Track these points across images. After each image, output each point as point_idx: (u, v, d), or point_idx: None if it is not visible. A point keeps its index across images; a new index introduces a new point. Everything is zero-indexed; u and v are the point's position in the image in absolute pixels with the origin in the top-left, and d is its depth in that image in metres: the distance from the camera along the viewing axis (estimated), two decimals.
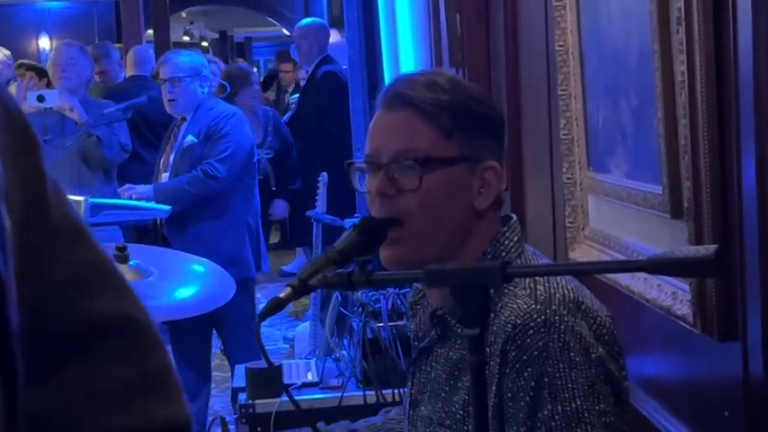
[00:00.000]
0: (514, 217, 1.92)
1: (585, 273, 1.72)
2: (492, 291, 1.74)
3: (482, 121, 1.86)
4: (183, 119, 5.34)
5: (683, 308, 1.94)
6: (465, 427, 1.76)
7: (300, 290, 1.65)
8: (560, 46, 2.66)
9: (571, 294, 1.76)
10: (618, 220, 2.37)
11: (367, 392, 3.33)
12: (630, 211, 2.25)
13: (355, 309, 3.52)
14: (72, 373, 1.07)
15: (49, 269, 1.06)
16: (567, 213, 2.67)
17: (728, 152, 1.77)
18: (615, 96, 2.34)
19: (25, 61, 8.16)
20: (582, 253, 2.58)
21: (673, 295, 2.00)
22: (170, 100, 5.28)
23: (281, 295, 1.64)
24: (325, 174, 4.55)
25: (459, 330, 1.77)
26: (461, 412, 1.77)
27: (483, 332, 1.47)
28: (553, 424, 1.67)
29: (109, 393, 1.09)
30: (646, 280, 2.12)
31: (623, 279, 2.21)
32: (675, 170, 1.95)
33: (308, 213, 4.49)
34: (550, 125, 2.82)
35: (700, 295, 1.86)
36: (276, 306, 1.63)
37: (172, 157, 5.35)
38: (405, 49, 5.21)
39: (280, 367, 3.47)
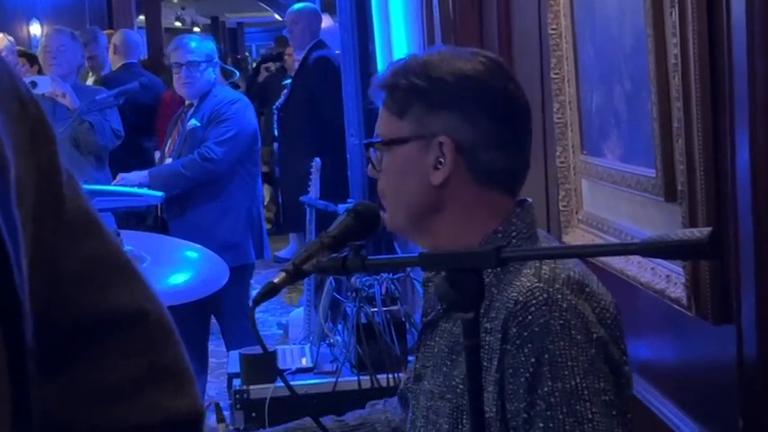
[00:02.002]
0: (530, 200, 1.93)
1: (579, 256, 1.72)
2: (498, 269, 1.77)
3: (437, 97, 1.85)
4: (191, 104, 5.35)
5: (677, 291, 1.94)
6: (464, 401, 1.77)
7: (294, 275, 1.66)
8: (553, 29, 2.65)
9: (576, 276, 1.77)
10: (612, 203, 2.37)
11: (361, 377, 3.33)
12: (624, 195, 2.25)
13: (349, 294, 3.53)
14: (83, 366, 1.07)
15: (62, 261, 1.06)
16: (560, 197, 2.67)
17: (722, 135, 1.77)
18: (609, 80, 2.34)
19: (16, 48, 8.13)
20: (576, 237, 2.58)
21: (667, 278, 2.00)
22: (185, 83, 5.29)
23: (275, 280, 1.64)
24: (317, 159, 4.55)
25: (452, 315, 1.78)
26: (462, 386, 1.79)
27: (477, 316, 1.47)
28: (552, 400, 1.68)
29: (120, 386, 1.09)
30: (640, 263, 2.13)
31: (617, 263, 2.21)
32: (669, 153, 1.95)
33: (301, 199, 4.48)
34: (543, 109, 2.82)
35: (694, 278, 1.87)
36: (270, 291, 1.63)
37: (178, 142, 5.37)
38: (397, 34, 5.21)
39: (274, 353, 3.47)
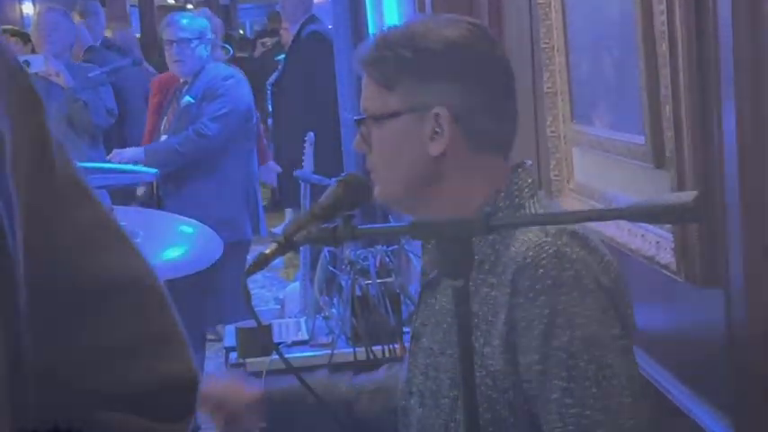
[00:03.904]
0: (529, 162, 1.93)
1: (567, 222, 1.73)
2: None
3: (427, 68, 1.84)
4: (185, 82, 5.35)
5: (667, 256, 1.96)
6: None
7: (285, 246, 1.66)
8: None
9: (580, 232, 1.78)
10: (602, 171, 2.38)
11: (357, 349, 3.35)
12: (614, 163, 2.26)
13: (344, 267, 3.54)
14: (78, 332, 1.08)
15: (55, 229, 1.06)
16: (551, 166, 2.68)
17: (709, 100, 1.78)
18: (598, 49, 2.35)
19: (8, 27, 8.12)
20: (567, 206, 2.59)
21: (657, 245, 2.01)
22: (176, 61, 5.28)
23: (266, 251, 1.65)
24: (311, 133, 4.54)
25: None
26: None
27: (467, 284, 1.48)
28: (573, 349, 1.70)
29: (115, 351, 1.10)
30: (630, 231, 2.14)
31: (608, 230, 2.22)
32: (657, 120, 1.96)
33: (295, 173, 4.49)
34: (533, 78, 2.82)
35: (682, 243, 1.88)
36: (262, 262, 1.64)
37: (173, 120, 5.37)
38: (389, 6, 5.20)
39: (269, 326, 3.49)
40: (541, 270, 1.72)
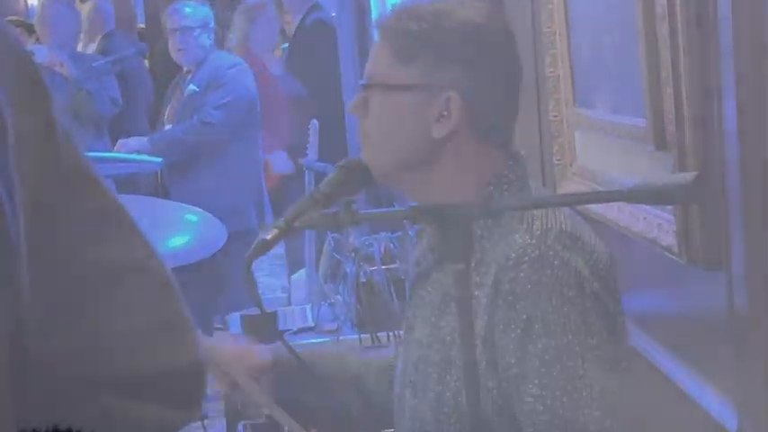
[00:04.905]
0: (522, 152, 1.91)
1: (566, 204, 1.73)
2: (489, 221, 1.77)
3: (447, 49, 1.81)
4: (189, 71, 5.34)
5: (669, 239, 1.96)
6: (452, 352, 1.78)
7: (286, 231, 1.66)
8: None
9: (568, 229, 1.75)
10: (604, 154, 2.38)
11: (362, 335, 3.35)
12: (616, 145, 2.26)
13: (349, 254, 3.54)
14: (84, 319, 1.07)
15: (59, 215, 1.06)
16: (554, 150, 2.68)
17: (708, 83, 1.78)
18: (599, 32, 2.35)
19: (13, 18, 8.12)
20: (570, 189, 2.59)
21: (658, 227, 2.01)
22: (179, 50, 5.28)
23: (267, 237, 1.65)
24: (315, 121, 4.54)
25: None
26: (449, 337, 1.79)
27: (468, 267, 1.48)
28: (546, 357, 1.68)
29: (122, 338, 1.09)
30: (631, 213, 2.14)
31: (610, 213, 2.22)
32: (658, 103, 1.96)
33: (300, 161, 4.49)
34: (536, 63, 2.82)
35: (684, 225, 1.88)
36: (263, 247, 1.65)
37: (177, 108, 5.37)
38: None
39: (274, 313, 3.48)
40: (522, 274, 1.70)
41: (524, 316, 1.70)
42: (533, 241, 1.72)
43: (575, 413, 1.68)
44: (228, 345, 2.22)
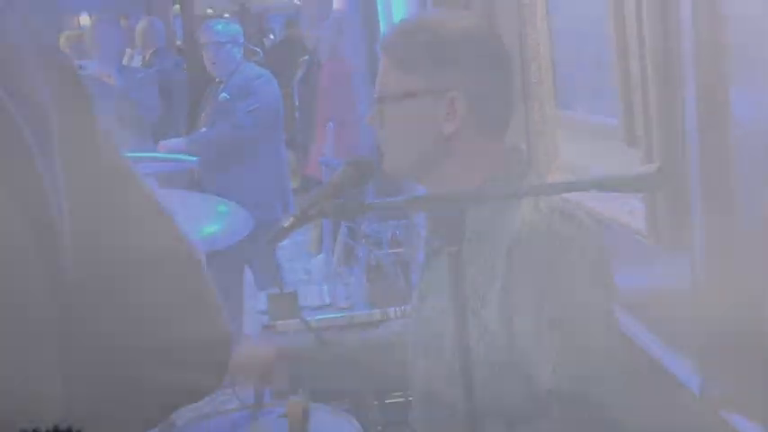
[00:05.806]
0: (522, 146, 1.91)
1: (547, 193, 1.72)
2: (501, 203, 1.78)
3: (445, 53, 1.81)
4: (221, 81, 5.35)
5: (639, 223, 1.96)
6: (473, 304, 1.78)
7: (302, 219, 1.67)
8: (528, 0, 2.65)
9: (568, 210, 1.76)
10: (582, 150, 2.38)
11: (372, 311, 3.37)
12: (593, 142, 2.26)
13: (361, 240, 3.56)
14: (125, 296, 1.07)
15: (101, 206, 1.06)
16: (539, 147, 2.68)
17: (672, 88, 1.78)
18: (578, 44, 2.35)
19: (71, 33, 8.14)
20: (554, 181, 2.58)
21: (630, 213, 2.01)
22: (213, 62, 5.29)
23: (285, 224, 1.66)
24: (331, 124, 4.55)
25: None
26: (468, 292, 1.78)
27: (460, 249, 1.48)
28: (561, 316, 1.68)
29: (160, 313, 1.10)
30: (608, 201, 2.14)
31: (589, 202, 2.22)
32: (629, 104, 1.96)
33: (319, 160, 4.50)
34: (522, 70, 2.81)
35: (652, 211, 1.88)
36: (281, 233, 1.65)
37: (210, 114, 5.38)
38: (397, 4, 5.19)
39: (295, 292, 3.50)
40: (534, 245, 1.71)
41: (538, 285, 1.69)
42: (540, 217, 1.73)
43: (587, 342, 1.68)
44: (248, 346, 2.24)
